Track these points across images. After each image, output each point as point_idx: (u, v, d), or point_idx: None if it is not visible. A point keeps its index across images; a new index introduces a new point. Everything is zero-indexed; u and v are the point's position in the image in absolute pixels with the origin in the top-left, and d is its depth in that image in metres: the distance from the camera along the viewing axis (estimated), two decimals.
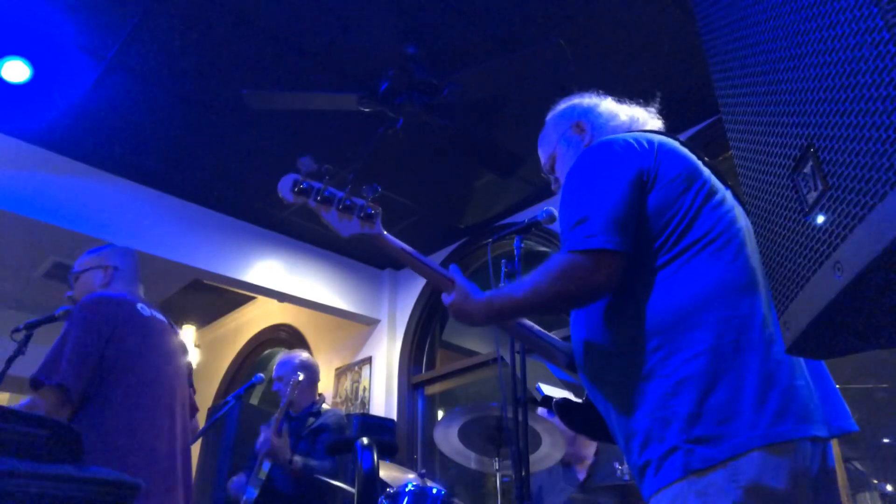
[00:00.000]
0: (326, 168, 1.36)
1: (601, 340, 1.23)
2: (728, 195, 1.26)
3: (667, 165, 1.23)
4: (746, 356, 1.05)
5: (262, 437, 2.88)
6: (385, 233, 1.37)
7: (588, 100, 1.54)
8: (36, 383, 1.88)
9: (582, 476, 2.91)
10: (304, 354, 3.34)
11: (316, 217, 1.35)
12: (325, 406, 3.24)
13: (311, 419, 3.12)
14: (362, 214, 1.35)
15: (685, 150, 1.30)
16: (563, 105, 1.57)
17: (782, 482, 0.99)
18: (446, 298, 1.31)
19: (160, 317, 2.29)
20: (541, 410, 2.76)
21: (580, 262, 1.14)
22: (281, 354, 3.35)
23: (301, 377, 3.07)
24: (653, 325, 1.13)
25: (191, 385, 2.38)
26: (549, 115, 1.58)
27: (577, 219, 1.18)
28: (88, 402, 1.93)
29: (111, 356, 1.99)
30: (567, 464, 2.98)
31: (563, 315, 1.36)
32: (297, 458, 2.85)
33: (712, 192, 1.23)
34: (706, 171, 1.28)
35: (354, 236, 1.34)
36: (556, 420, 2.85)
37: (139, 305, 2.21)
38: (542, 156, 1.57)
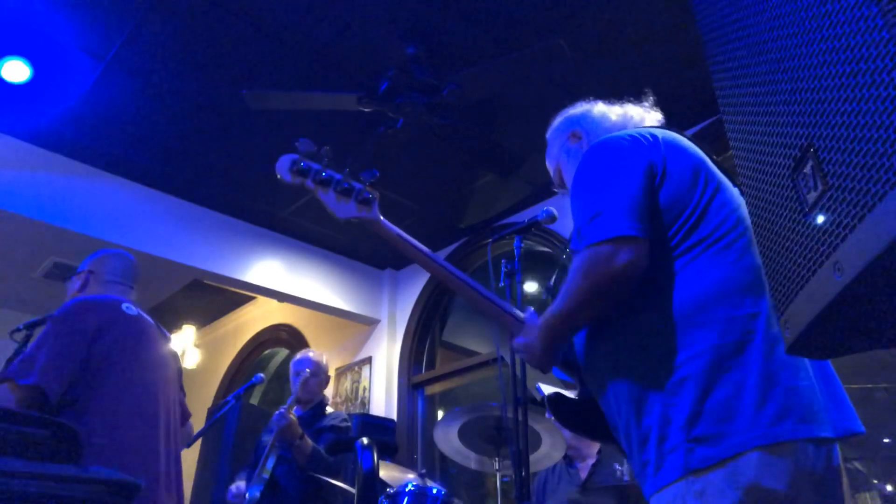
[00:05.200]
0: (325, 150, 1.38)
1: (605, 336, 1.22)
2: (735, 193, 1.25)
3: (673, 160, 1.22)
4: (748, 356, 1.05)
5: (276, 415, 2.85)
6: (382, 218, 1.38)
7: (579, 108, 1.55)
8: (5, 380, 1.83)
9: (584, 475, 2.91)
10: (316, 353, 3.35)
11: (313, 198, 1.37)
12: (328, 409, 3.24)
13: (316, 420, 3.13)
14: (360, 198, 1.37)
15: (690, 146, 1.29)
16: (558, 119, 1.58)
17: (782, 483, 0.98)
18: (517, 339, 1.32)
19: (148, 318, 2.25)
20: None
21: (599, 251, 1.11)
22: (298, 353, 3.36)
23: (308, 373, 3.11)
24: (656, 323, 1.12)
25: (181, 389, 2.35)
26: (549, 132, 1.59)
27: (590, 215, 1.15)
28: (71, 403, 1.89)
29: (95, 357, 1.96)
30: (570, 460, 2.98)
31: None
32: (308, 440, 2.86)
33: (719, 189, 1.22)
34: (713, 168, 1.26)
35: (351, 219, 1.37)
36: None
37: (125, 305, 2.17)
38: (550, 170, 1.58)
